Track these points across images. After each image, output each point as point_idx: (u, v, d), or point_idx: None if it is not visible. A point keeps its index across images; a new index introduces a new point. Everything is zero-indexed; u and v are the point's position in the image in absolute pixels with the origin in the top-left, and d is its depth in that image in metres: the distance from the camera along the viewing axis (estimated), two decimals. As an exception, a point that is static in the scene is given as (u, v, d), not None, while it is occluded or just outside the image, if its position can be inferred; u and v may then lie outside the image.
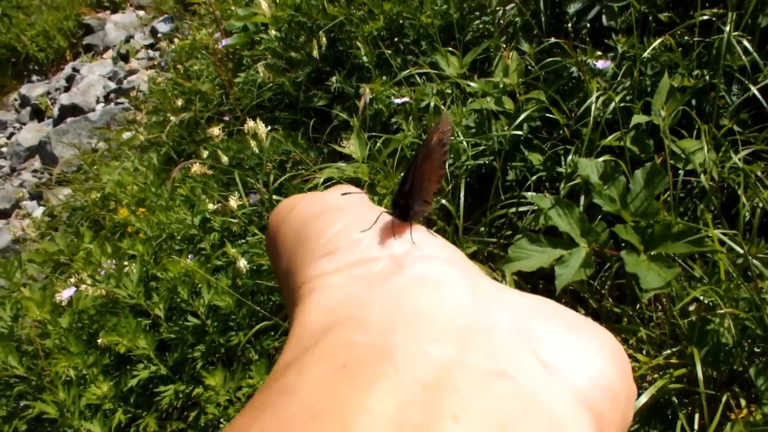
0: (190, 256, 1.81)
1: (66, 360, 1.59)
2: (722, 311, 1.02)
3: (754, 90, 1.32)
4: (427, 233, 0.30)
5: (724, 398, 0.97)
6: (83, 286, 1.79)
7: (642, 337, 1.24)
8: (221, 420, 1.54)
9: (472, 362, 0.21)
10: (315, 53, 2.01)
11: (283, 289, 0.31)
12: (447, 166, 0.33)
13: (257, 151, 1.73)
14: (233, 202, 1.70)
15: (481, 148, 1.65)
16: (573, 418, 0.22)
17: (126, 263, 1.82)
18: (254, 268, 1.65)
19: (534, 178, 1.53)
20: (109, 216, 2.46)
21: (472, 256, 1.53)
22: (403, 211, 0.31)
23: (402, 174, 0.34)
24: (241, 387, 1.54)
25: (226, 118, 2.57)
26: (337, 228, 0.29)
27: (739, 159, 1.25)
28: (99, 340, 1.61)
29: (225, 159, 1.91)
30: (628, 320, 1.31)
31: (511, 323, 0.24)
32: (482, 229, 1.61)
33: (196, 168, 1.82)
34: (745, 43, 1.38)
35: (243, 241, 1.80)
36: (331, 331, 0.23)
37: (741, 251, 1.06)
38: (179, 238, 1.99)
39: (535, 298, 0.27)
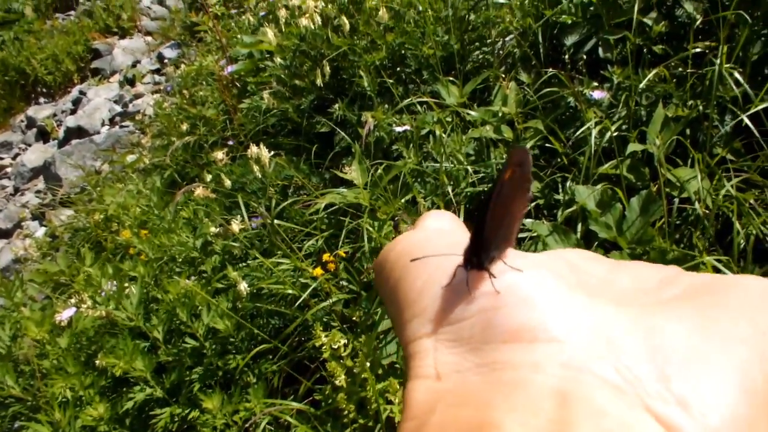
0: (189, 278, 1.83)
1: (63, 381, 1.59)
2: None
3: (745, 120, 1.35)
4: (511, 269, 0.27)
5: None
6: (83, 307, 1.81)
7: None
8: (217, 444, 1.54)
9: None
10: (318, 81, 2.05)
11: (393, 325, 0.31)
12: (528, 200, 0.28)
13: (260, 176, 1.75)
14: (235, 226, 1.72)
15: (481, 175, 1.68)
16: None
17: (127, 285, 1.84)
18: (254, 291, 1.67)
19: (532, 205, 1.55)
20: (111, 237, 2.48)
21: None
22: (476, 267, 0.27)
23: (475, 222, 0.29)
24: (238, 411, 1.54)
25: (231, 143, 2.61)
26: (421, 282, 0.28)
27: (732, 187, 1.27)
28: (97, 362, 1.62)
29: (228, 183, 1.94)
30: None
31: (617, 374, 0.22)
32: (481, 254, 1.63)
33: (200, 191, 1.85)
34: (736, 74, 1.42)
35: (244, 264, 1.82)
36: (437, 408, 0.23)
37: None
38: (180, 260, 2.01)
39: (646, 314, 0.24)
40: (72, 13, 6.81)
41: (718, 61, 1.40)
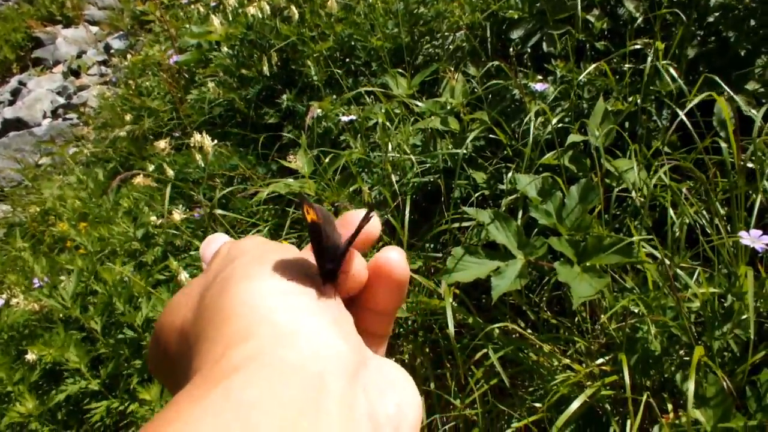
0: (127, 266, 1.77)
1: (-10, 374, 1.52)
2: (647, 318, 1.06)
3: (681, 114, 1.39)
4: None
5: (643, 400, 1.00)
6: (15, 300, 1.73)
7: (580, 348, 1.27)
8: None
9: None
10: (266, 69, 2.02)
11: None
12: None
13: (202, 165, 1.71)
14: (177, 215, 1.68)
15: (427, 165, 1.68)
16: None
17: (63, 278, 1.77)
18: (196, 281, 1.62)
19: (477, 194, 1.56)
20: (48, 231, 2.39)
21: (416, 271, 1.55)
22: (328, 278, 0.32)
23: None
24: (179, 403, 1.50)
25: (176, 134, 2.54)
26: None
27: (666, 175, 1.31)
28: (27, 356, 1.55)
29: (171, 173, 1.89)
30: (566, 331, 1.34)
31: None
32: (427, 244, 1.63)
33: (140, 180, 1.79)
34: (672, 70, 1.46)
35: (186, 255, 1.77)
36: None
37: (666, 261, 1.10)
38: (121, 252, 1.94)
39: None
40: None
41: (651, 57, 1.44)
